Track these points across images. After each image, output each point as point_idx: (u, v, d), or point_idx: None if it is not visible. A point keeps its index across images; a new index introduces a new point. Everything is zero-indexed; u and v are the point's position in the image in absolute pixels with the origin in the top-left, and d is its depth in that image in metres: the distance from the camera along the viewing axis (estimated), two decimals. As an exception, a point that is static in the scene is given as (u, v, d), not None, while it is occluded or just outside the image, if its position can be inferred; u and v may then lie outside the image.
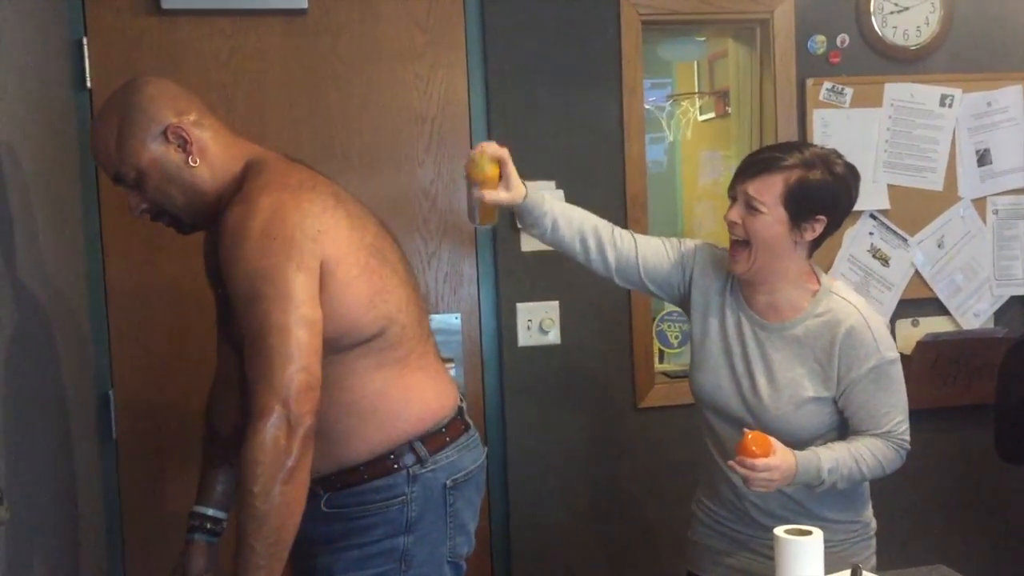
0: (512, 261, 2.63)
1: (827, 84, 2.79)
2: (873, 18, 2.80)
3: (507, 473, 2.65)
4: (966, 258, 2.90)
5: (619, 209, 2.67)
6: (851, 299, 1.85)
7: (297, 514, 1.49)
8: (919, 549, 2.89)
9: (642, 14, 2.67)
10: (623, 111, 2.68)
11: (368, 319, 1.62)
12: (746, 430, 1.76)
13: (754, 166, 1.82)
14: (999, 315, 2.93)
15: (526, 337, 2.63)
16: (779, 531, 1.56)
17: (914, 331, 2.86)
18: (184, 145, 1.64)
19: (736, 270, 1.86)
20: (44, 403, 1.87)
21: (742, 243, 1.83)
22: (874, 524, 1.99)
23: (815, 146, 1.87)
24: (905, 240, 2.85)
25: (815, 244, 1.86)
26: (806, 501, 1.87)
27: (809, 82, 2.78)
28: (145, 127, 1.62)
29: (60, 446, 1.98)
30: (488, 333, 2.65)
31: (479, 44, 2.61)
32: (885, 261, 2.85)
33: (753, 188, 1.79)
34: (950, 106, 2.85)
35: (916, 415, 2.84)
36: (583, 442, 2.68)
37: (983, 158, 2.89)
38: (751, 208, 1.79)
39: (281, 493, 1.45)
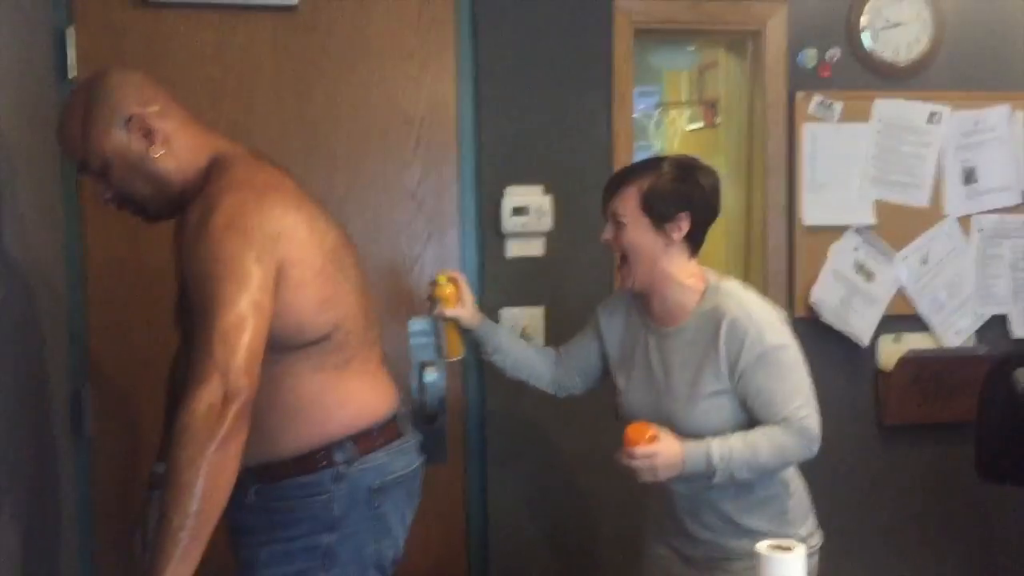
0: (497, 266, 2.61)
1: (817, 98, 2.79)
2: (864, 33, 2.80)
3: (487, 481, 2.63)
4: (950, 275, 2.90)
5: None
6: (733, 293, 1.93)
7: (223, 490, 1.45)
8: (895, 566, 2.90)
9: (635, 21, 2.66)
10: (613, 118, 2.66)
11: (316, 323, 1.64)
12: (631, 423, 1.85)
13: (612, 184, 1.97)
14: (981, 333, 2.93)
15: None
16: (761, 547, 1.55)
17: (896, 347, 2.87)
18: (148, 135, 1.65)
19: (627, 285, 1.97)
20: (16, 400, 1.83)
21: (623, 259, 1.95)
22: (816, 539, 1.99)
23: (671, 156, 2.00)
24: (890, 256, 2.86)
25: (693, 244, 1.95)
26: (734, 514, 1.91)
27: (799, 95, 2.78)
28: (108, 117, 1.64)
29: (32, 444, 1.95)
30: (471, 338, 2.62)
31: (470, 46, 2.59)
32: (869, 276, 2.85)
33: (615, 204, 1.93)
34: (938, 123, 2.86)
35: (895, 431, 2.89)
36: (565, 450, 2.66)
37: (969, 176, 2.89)
38: (618, 223, 1.93)
39: (209, 463, 1.42)
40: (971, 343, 2.92)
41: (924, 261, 2.88)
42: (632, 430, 1.83)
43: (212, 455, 1.43)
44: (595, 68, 2.65)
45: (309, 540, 1.66)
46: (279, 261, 1.57)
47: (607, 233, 1.96)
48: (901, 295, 2.87)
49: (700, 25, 2.77)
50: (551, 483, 2.66)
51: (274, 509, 1.67)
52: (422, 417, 2.54)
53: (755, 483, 1.89)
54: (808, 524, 1.98)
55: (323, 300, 1.64)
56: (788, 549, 1.51)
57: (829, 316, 2.81)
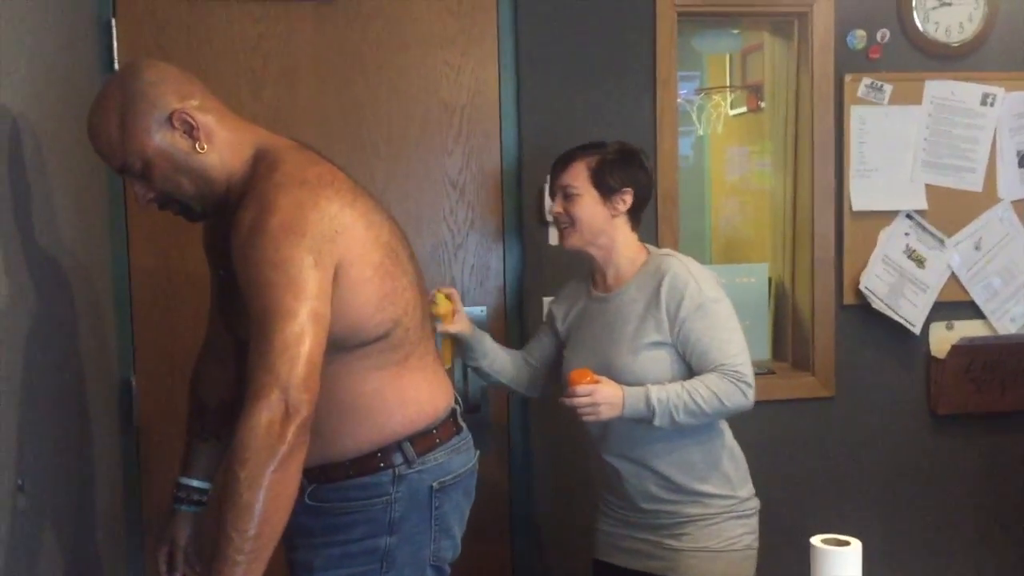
0: (539, 254, 2.59)
1: (866, 80, 2.72)
2: (915, 13, 2.73)
3: (531, 467, 2.62)
4: (1004, 261, 2.83)
5: (650, 204, 2.61)
6: (674, 255, 2.10)
7: (285, 509, 1.42)
8: (949, 559, 2.84)
9: (678, 5, 2.61)
10: (656, 104, 2.63)
11: (375, 322, 1.58)
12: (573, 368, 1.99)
13: (561, 160, 2.11)
14: (1036, 320, 2.86)
15: (552, 332, 2.58)
16: (816, 540, 1.51)
17: (949, 334, 2.80)
18: (191, 131, 1.57)
19: (568, 245, 2.10)
20: (64, 390, 1.85)
21: (567, 226, 2.09)
22: (752, 503, 2.10)
23: (613, 142, 2.14)
24: (942, 242, 2.79)
25: (634, 217, 2.10)
26: (678, 478, 2.03)
27: (847, 78, 2.72)
28: (148, 114, 1.55)
29: (79, 433, 1.96)
30: (514, 327, 2.62)
31: (511, 33, 2.56)
32: (921, 263, 2.79)
33: (565, 177, 2.08)
34: (992, 105, 2.78)
35: (948, 420, 2.83)
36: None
37: (1024, 159, 2.82)
38: (568, 196, 2.07)
39: (270, 483, 1.37)
40: (1026, 330, 2.85)
41: (977, 246, 2.81)
42: (575, 373, 1.97)
43: (272, 475, 1.38)
44: (637, 53, 2.61)
45: (368, 543, 1.62)
46: (337, 261, 1.51)
47: (557, 206, 2.09)
48: (954, 281, 2.81)
49: (745, 7, 2.72)
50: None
51: (332, 511, 1.63)
52: (466, 407, 2.53)
53: (690, 440, 2.01)
54: (747, 488, 2.11)
55: (382, 297, 1.58)
56: (845, 543, 1.47)
57: (879, 303, 2.75)
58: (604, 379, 1.97)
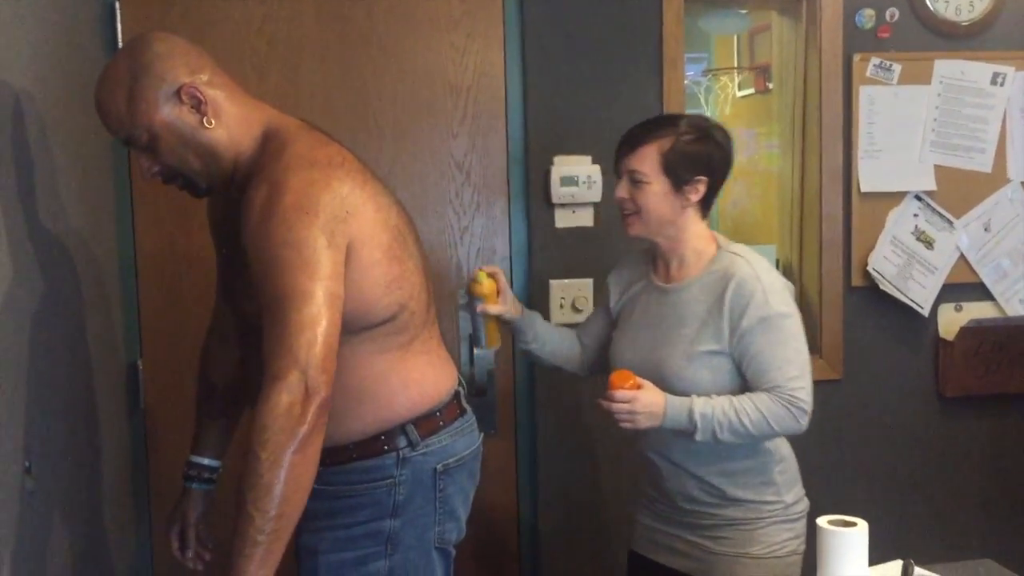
0: (546, 237, 2.58)
1: (874, 60, 2.70)
2: (925, -8, 2.71)
3: (536, 450, 2.62)
4: (1013, 242, 2.81)
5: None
6: (745, 255, 1.91)
7: (305, 489, 1.43)
8: (960, 540, 2.84)
9: (685, -15, 2.59)
10: (663, 86, 2.61)
11: (382, 304, 1.58)
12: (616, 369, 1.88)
13: (629, 141, 1.92)
14: (1046, 302, 2.84)
15: (559, 315, 2.58)
16: (822, 521, 1.51)
17: (958, 316, 2.79)
18: (199, 106, 1.56)
19: (631, 232, 1.95)
20: (70, 372, 1.85)
21: (632, 213, 1.93)
22: (800, 507, 1.98)
23: (685, 115, 2.00)
24: (951, 223, 2.77)
25: (705, 206, 1.94)
26: (720, 484, 1.90)
27: (856, 57, 2.70)
28: (157, 87, 1.54)
29: (86, 416, 1.97)
30: (509, 328, 2.60)
31: (517, 14, 2.55)
32: (929, 244, 2.77)
33: (633, 161, 1.89)
34: (1002, 84, 2.75)
35: (957, 402, 2.82)
36: (611, 423, 2.63)
37: (1035, 139, 2.79)
38: (635, 182, 1.90)
39: (291, 463, 1.39)
40: (1036, 312, 2.83)
41: (986, 228, 2.79)
42: (616, 375, 1.84)
43: (293, 455, 1.39)
44: (644, 34, 2.59)
45: (372, 526, 1.62)
46: (349, 241, 1.51)
47: (621, 191, 1.93)
48: (962, 263, 2.79)
49: (753, -13, 2.69)
50: (600, 454, 2.64)
51: (336, 494, 1.63)
52: (472, 390, 2.53)
53: (739, 452, 1.88)
54: (795, 491, 1.97)
55: (390, 280, 1.58)
56: (852, 524, 1.47)
57: (887, 285, 2.74)
58: (647, 384, 1.84)
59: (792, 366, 1.83)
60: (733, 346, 1.85)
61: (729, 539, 1.92)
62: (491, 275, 2.08)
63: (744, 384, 1.87)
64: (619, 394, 1.81)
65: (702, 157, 1.89)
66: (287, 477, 1.39)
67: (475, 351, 2.54)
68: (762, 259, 1.93)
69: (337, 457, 1.62)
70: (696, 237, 1.95)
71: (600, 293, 2.14)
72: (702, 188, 1.90)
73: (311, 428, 1.40)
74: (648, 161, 1.88)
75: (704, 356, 1.87)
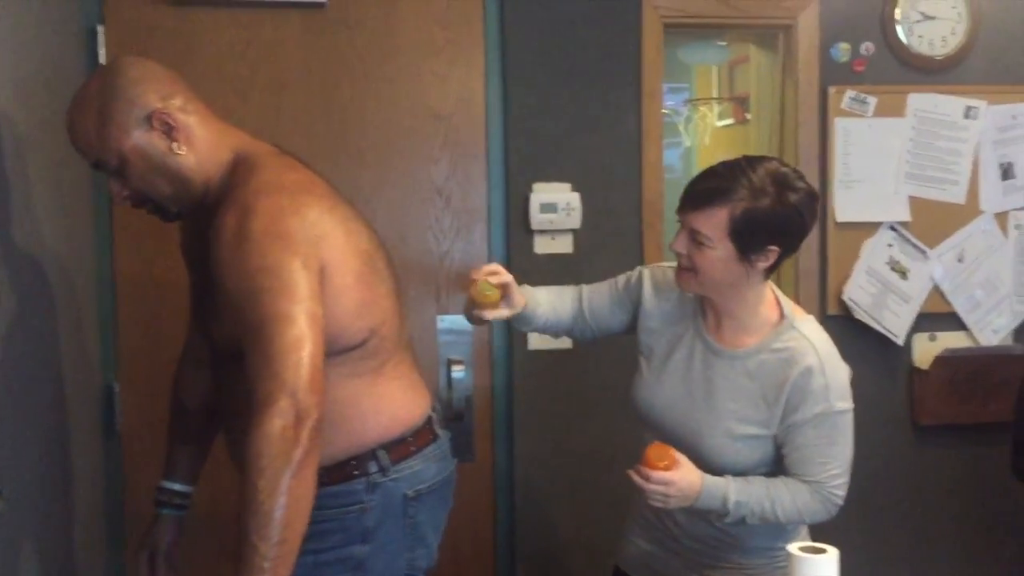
0: (525, 263, 2.60)
1: (850, 92, 2.75)
2: (899, 27, 2.75)
3: (514, 476, 2.62)
4: (986, 273, 2.85)
5: (635, 214, 2.64)
6: (813, 338, 1.74)
7: (306, 512, 1.42)
8: (932, 568, 2.85)
9: (664, 16, 2.63)
10: (641, 115, 2.64)
11: (354, 329, 1.57)
12: (655, 442, 1.73)
13: (697, 197, 1.69)
14: (1019, 332, 2.87)
15: (537, 341, 2.59)
16: (792, 548, 1.52)
17: (932, 346, 2.82)
18: (169, 131, 1.56)
19: (683, 288, 1.78)
20: (45, 394, 1.84)
21: (688, 270, 1.73)
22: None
23: (769, 162, 1.71)
24: (925, 253, 2.81)
25: (771, 270, 1.75)
26: (733, 530, 1.79)
27: (832, 90, 2.74)
28: (127, 112, 1.54)
29: (60, 438, 1.96)
30: (499, 335, 2.62)
31: (498, 43, 2.58)
32: (904, 274, 2.80)
33: (697, 221, 1.67)
34: (975, 118, 2.80)
35: (931, 431, 2.84)
36: (593, 448, 2.64)
37: (1007, 172, 2.84)
38: (696, 242, 1.68)
39: (289, 488, 1.37)
40: (1008, 342, 2.87)
41: (960, 258, 2.83)
42: (653, 451, 1.70)
43: (291, 480, 1.37)
44: (624, 64, 2.63)
45: (341, 552, 1.60)
46: (321, 265, 1.50)
47: (680, 245, 1.71)
48: (937, 293, 2.82)
49: (730, 19, 2.73)
50: (579, 480, 2.64)
51: None
52: (450, 415, 2.54)
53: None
54: (801, 534, 1.87)
55: (360, 305, 1.57)
56: (822, 551, 1.48)
57: (862, 314, 2.77)
58: (683, 463, 1.69)
59: (837, 463, 1.72)
60: (780, 432, 1.73)
61: None
62: (501, 286, 1.78)
63: (779, 458, 1.76)
64: (656, 475, 1.67)
65: (778, 225, 1.66)
66: (287, 502, 1.37)
67: (452, 373, 2.54)
68: (827, 341, 1.77)
69: None
70: (758, 303, 1.76)
71: (629, 285, 1.91)
72: (773, 258, 1.70)
73: (306, 451, 1.39)
74: (714, 225, 1.65)
75: (748, 439, 1.74)
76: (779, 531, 1.81)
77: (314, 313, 1.45)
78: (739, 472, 1.75)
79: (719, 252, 1.67)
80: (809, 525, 1.85)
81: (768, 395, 1.73)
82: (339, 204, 1.61)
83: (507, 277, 1.79)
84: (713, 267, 1.69)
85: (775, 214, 1.65)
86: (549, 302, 1.91)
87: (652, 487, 1.67)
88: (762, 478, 1.74)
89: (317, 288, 1.48)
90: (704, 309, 1.82)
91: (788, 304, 1.80)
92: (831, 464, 1.72)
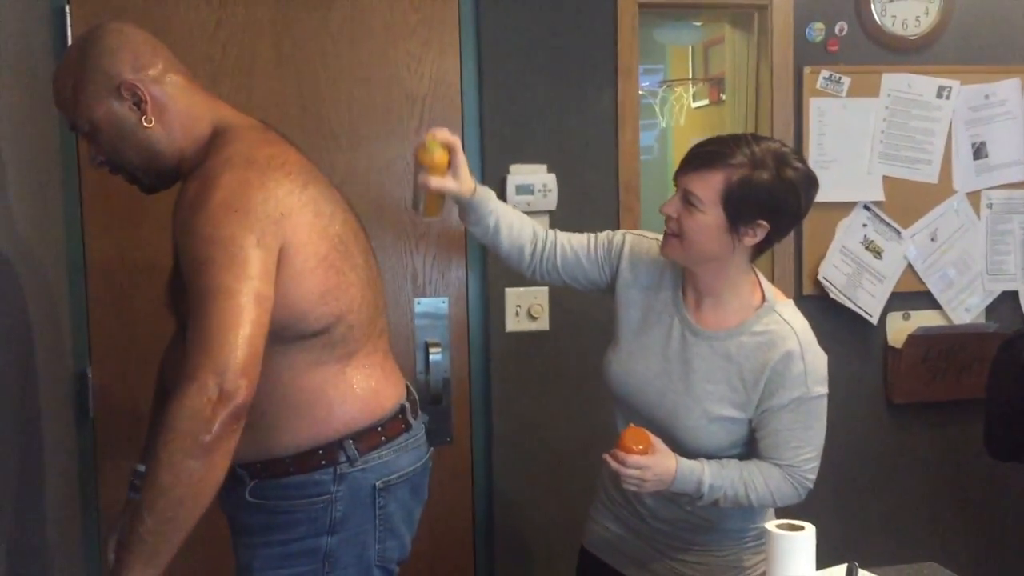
0: (502, 245, 2.59)
1: (824, 72, 2.75)
2: (872, 6, 2.76)
3: (491, 458, 2.62)
4: (959, 252, 2.87)
5: (611, 195, 2.63)
6: (794, 323, 1.73)
7: (205, 495, 1.36)
8: (906, 544, 2.89)
9: (639, -4, 2.62)
10: (617, 96, 2.63)
11: (315, 315, 1.54)
12: (631, 425, 1.73)
13: (697, 159, 1.68)
14: (991, 310, 2.91)
15: (514, 323, 2.59)
16: (770, 525, 1.53)
17: (905, 324, 2.84)
18: (139, 103, 1.55)
19: (666, 255, 1.76)
20: (15, 380, 1.82)
21: (676, 234, 1.71)
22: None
23: (773, 141, 1.71)
24: (898, 233, 2.83)
25: (757, 251, 1.74)
26: (703, 512, 1.80)
27: (806, 70, 2.75)
28: (99, 81, 1.54)
29: (31, 425, 1.93)
30: (476, 318, 2.62)
31: (472, 23, 2.56)
32: (878, 253, 2.82)
33: (693, 183, 1.66)
34: (948, 98, 2.82)
35: (904, 409, 2.87)
36: (570, 431, 2.64)
37: (979, 151, 2.86)
38: (688, 204, 1.67)
39: (188, 469, 1.33)
40: (981, 320, 2.90)
41: (933, 238, 2.85)
42: (629, 435, 1.70)
43: (194, 462, 1.33)
44: (599, 45, 2.62)
45: (309, 543, 1.57)
46: (282, 245, 1.46)
47: (670, 207, 1.69)
48: (910, 272, 2.85)
49: (705, -1, 2.73)
50: (556, 461, 2.65)
51: (272, 509, 1.58)
52: (427, 398, 2.53)
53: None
54: (770, 514, 1.89)
55: (325, 291, 1.53)
56: (799, 528, 1.49)
57: (837, 293, 2.79)
58: (659, 447, 1.70)
59: (810, 447, 1.73)
60: (756, 416, 1.74)
61: (703, 565, 1.85)
62: (446, 145, 1.74)
63: (753, 440, 1.77)
64: (632, 460, 1.66)
65: (772, 201, 1.65)
66: (185, 482, 1.34)
67: (429, 357, 2.53)
68: (808, 328, 1.76)
69: (273, 470, 1.57)
70: (740, 283, 1.76)
71: (610, 248, 1.88)
72: (761, 234, 1.68)
73: (217, 436, 1.34)
74: (709, 188, 1.64)
75: (724, 420, 1.74)
76: (748, 513, 1.82)
77: (260, 293, 1.41)
78: (712, 454, 1.76)
79: (709, 218, 1.65)
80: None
81: (747, 378, 1.72)
82: (313, 184, 1.57)
83: (455, 142, 1.74)
84: (700, 234, 1.67)
85: (771, 188, 1.64)
86: (508, 213, 1.86)
87: (628, 471, 1.67)
88: (736, 461, 1.75)
89: (271, 268, 1.44)
90: (685, 288, 1.81)
91: (770, 289, 1.79)
92: (804, 448, 1.73)
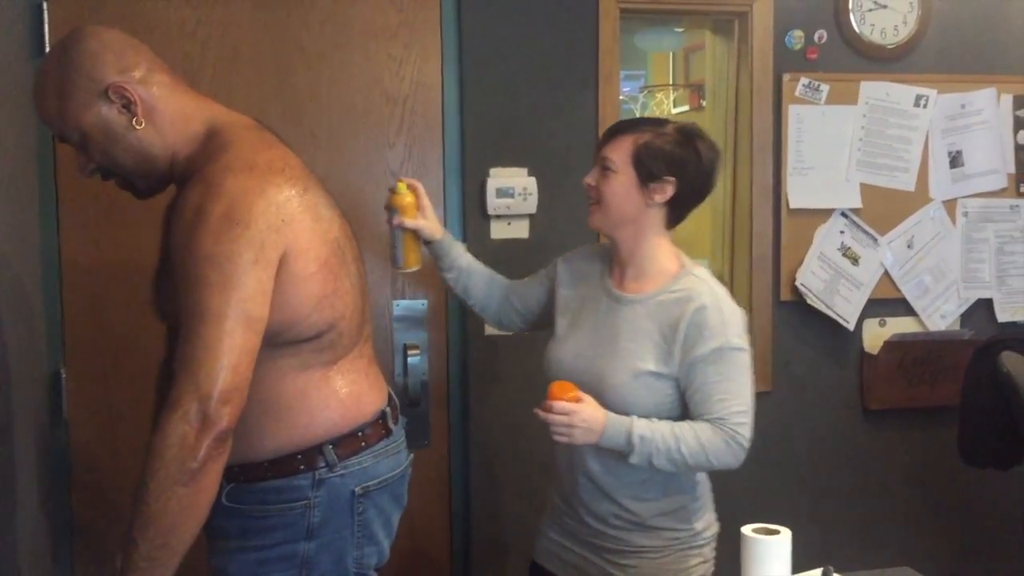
0: (481, 248, 2.58)
1: (803, 80, 2.77)
2: (851, 15, 2.78)
3: (469, 461, 2.62)
4: (935, 259, 2.90)
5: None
6: (708, 282, 1.87)
7: (194, 521, 1.38)
8: (881, 549, 2.91)
9: (620, 2, 2.63)
10: (598, 100, 2.64)
11: (311, 321, 1.52)
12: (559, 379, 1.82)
13: (611, 131, 1.90)
14: (966, 317, 2.93)
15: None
16: (746, 529, 1.54)
17: (881, 331, 2.86)
18: (128, 105, 1.52)
19: (592, 224, 1.92)
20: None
21: (597, 202, 1.89)
22: (710, 532, 1.95)
23: (683, 123, 1.91)
24: (875, 240, 2.85)
25: (672, 215, 1.89)
26: (635, 507, 1.86)
27: (785, 77, 2.76)
28: (85, 87, 1.50)
29: (3, 425, 1.91)
30: (455, 321, 2.61)
31: (454, 26, 2.56)
32: (855, 260, 2.84)
33: (607, 149, 1.86)
34: (925, 107, 2.85)
35: (880, 415, 2.89)
36: (547, 435, 2.63)
37: (955, 160, 2.89)
38: (604, 169, 1.86)
39: (177, 496, 1.34)
40: (956, 327, 2.92)
41: (909, 245, 2.88)
42: (556, 386, 1.78)
43: (182, 488, 1.34)
44: (581, 50, 2.62)
45: (285, 548, 1.56)
46: (282, 252, 1.45)
47: (591, 176, 1.89)
48: (886, 279, 2.87)
49: (686, 6, 2.75)
50: (533, 465, 2.64)
51: (248, 514, 1.56)
52: (405, 401, 2.52)
53: (659, 478, 1.84)
54: (706, 518, 1.94)
55: (323, 297, 1.52)
56: (775, 532, 1.50)
57: (815, 300, 2.80)
58: (587, 399, 1.78)
59: (738, 400, 1.79)
60: (681, 372, 1.80)
61: (635, 567, 1.88)
62: (411, 187, 2.02)
63: (684, 412, 1.83)
64: (558, 405, 1.75)
65: (675, 158, 1.83)
66: (175, 509, 1.35)
67: (408, 359, 2.52)
68: (721, 286, 1.88)
69: (251, 474, 1.55)
70: (658, 248, 1.89)
71: (546, 271, 2.11)
72: (669, 190, 1.84)
73: (203, 462, 1.35)
74: (620, 150, 1.84)
75: (649, 376, 1.81)
76: (679, 513, 1.88)
77: (251, 315, 1.40)
78: (643, 416, 1.81)
79: (622, 178, 1.84)
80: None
81: (666, 332, 1.82)
82: (312, 188, 1.55)
83: (417, 183, 2.03)
84: (615, 194, 1.85)
85: (674, 147, 1.83)
86: (476, 263, 2.12)
87: (555, 417, 1.76)
88: (667, 420, 1.80)
89: (267, 286, 1.43)
90: (612, 267, 1.95)
91: (688, 260, 1.93)
92: (730, 400, 1.79)
